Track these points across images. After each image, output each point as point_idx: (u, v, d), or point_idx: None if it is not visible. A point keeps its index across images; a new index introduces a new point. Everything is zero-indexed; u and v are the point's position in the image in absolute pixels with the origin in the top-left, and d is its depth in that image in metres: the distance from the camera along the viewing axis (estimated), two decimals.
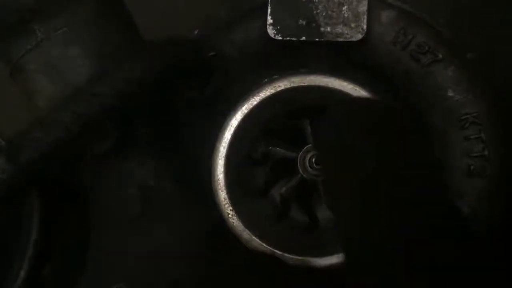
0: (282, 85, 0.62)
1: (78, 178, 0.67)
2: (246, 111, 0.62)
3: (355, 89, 0.61)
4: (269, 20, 0.67)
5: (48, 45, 0.61)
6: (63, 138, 0.55)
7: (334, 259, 0.60)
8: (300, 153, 0.63)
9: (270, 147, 0.65)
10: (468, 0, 0.73)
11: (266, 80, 0.69)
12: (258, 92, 0.62)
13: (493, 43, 0.72)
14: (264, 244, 0.62)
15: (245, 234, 0.62)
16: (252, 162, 0.66)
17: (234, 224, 0.62)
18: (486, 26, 0.72)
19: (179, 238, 0.68)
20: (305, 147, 0.63)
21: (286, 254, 0.61)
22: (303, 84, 0.62)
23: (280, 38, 0.67)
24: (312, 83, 0.61)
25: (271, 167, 0.66)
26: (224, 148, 0.62)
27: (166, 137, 0.68)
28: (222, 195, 0.62)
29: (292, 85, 0.62)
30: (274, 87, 0.62)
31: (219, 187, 0.63)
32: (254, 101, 0.62)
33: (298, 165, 0.63)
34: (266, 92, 0.62)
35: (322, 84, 0.61)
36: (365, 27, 0.66)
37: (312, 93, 0.62)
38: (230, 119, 0.63)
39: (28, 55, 0.61)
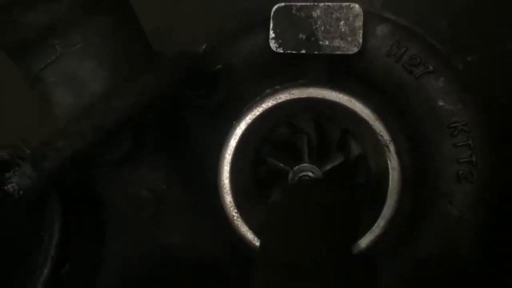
0: (283, 97, 0.66)
1: (94, 182, 0.71)
2: (249, 120, 0.66)
3: (350, 101, 0.65)
4: (271, 34, 0.72)
5: (66, 59, 0.64)
6: (82, 148, 0.59)
7: None
8: (292, 170, 0.68)
9: (267, 157, 0.69)
10: (467, 5, 0.75)
11: (268, 90, 0.73)
12: (261, 103, 0.66)
13: (492, 46, 0.75)
14: None
15: (249, 234, 0.66)
16: (255, 168, 0.70)
17: (239, 225, 0.66)
18: (485, 30, 0.75)
19: (188, 238, 0.72)
20: (297, 167, 0.68)
21: None
22: (302, 96, 0.66)
23: (282, 51, 0.71)
24: (311, 95, 0.65)
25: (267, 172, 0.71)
26: (229, 155, 0.66)
27: (175, 144, 0.72)
28: (228, 198, 0.66)
29: (292, 97, 0.66)
30: (276, 98, 0.66)
31: (224, 191, 0.67)
32: (257, 111, 0.66)
33: (289, 180, 0.68)
34: (268, 103, 0.66)
35: (319, 96, 0.65)
36: (360, 40, 0.70)
37: (310, 104, 0.66)
38: (235, 128, 0.67)
39: (48, 68, 0.65)
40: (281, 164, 0.70)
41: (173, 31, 0.81)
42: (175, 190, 0.71)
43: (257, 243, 0.66)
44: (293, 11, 0.72)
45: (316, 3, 0.71)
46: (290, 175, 0.69)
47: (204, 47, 0.75)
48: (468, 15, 0.75)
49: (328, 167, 0.69)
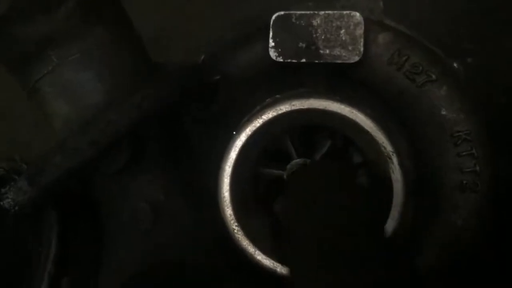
0: (284, 108, 0.65)
1: (92, 194, 0.70)
2: (249, 132, 0.65)
3: (352, 112, 0.64)
4: (271, 43, 0.71)
5: (62, 70, 0.64)
6: (79, 163, 0.58)
7: None
8: (286, 172, 0.68)
9: (260, 168, 0.69)
10: (466, 8, 0.75)
11: (269, 99, 0.72)
12: (261, 115, 0.66)
13: (491, 48, 0.75)
14: (268, 258, 0.65)
15: (250, 248, 0.65)
16: (256, 180, 0.69)
17: (239, 239, 0.66)
18: (484, 31, 0.75)
19: (187, 249, 0.71)
20: (289, 165, 0.68)
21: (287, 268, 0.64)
22: (302, 107, 0.65)
23: (282, 60, 0.71)
24: (311, 106, 0.64)
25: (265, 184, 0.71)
26: (229, 167, 0.66)
27: (174, 155, 0.71)
28: (228, 211, 0.66)
29: (293, 108, 0.65)
30: (276, 110, 0.65)
31: (225, 204, 0.66)
32: (257, 123, 0.65)
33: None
34: (269, 115, 0.65)
35: (320, 107, 0.64)
36: (362, 49, 0.69)
37: (311, 115, 0.66)
38: (235, 140, 0.66)
39: (44, 79, 0.64)
40: (274, 171, 0.69)
41: (171, 41, 0.81)
42: (173, 201, 0.70)
43: (261, 257, 0.65)
44: (293, 20, 0.71)
45: (316, 12, 0.70)
46: (285, 176, 0.68)
47: (202, 57, 0.74)
48: (468, 17, 0.75)
49: (318, 156, 0.68)
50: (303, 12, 0.71)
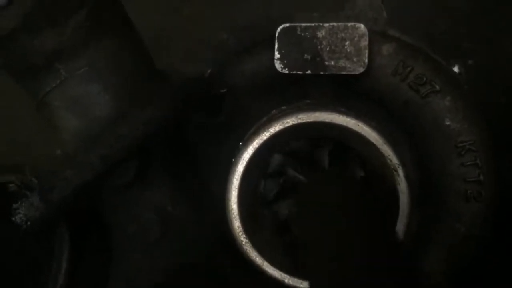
0: (290, 121, 0.66)
1: (100, 207, 0.71)
2: (257, 145, 0.66)
3: (358, 125, 0.64)
4: (277, 55, 0.72)
5: (71, 83, 0.64)
6: (90, 177, 0.59)
7: None
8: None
9: (284, 166, 0.70)
10: (466, 10, 0.76)
11: (274, 111, 0.73)
12: (268, 128, 0.66)
13: (491, 49, 0.75)
14: (276, 269, 0.66)
15: (258, 259, 0.66)
16: (264, 192, 0.70)
17: (248, 250, 0.66)
18: (484, 33, 0.75)
19: (195, 258, 0.72)
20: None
21: (295, 279, 0.65)
22: (309, 120, 0.65)
23: (287, 71, 0.71)
24: (317, 119, 0.65)
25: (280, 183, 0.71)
26: (237, 180, 0.66)
27: (182, 167, 0.72)
28: (236, 223, 0.66)
29: (299, 121, 0.66)
30: (283, 123, 0.66)
31: (233, 216, 0.66)
32: (264, 136, 0.66)
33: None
34: (275, 128, 0.66)
35: (326, 120, 0.65)
36: (366, 60, 0.70)
37: (318, 128, 0.66)
38: (242, 153, 0.66)
39: (53, 92, 0.65)
40: (299, 175, 0.69)
41: (171, 41, 0.81)
42: (181, 211, 0.71)
43: (269, 268, 0.66)
44: (298, 32, 0.71)
45: (321, 24, 0.71)
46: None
47: (209, 71, 0.75)
48: (467, 20, 0.75)
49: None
50: (308, 24, 0.71)
